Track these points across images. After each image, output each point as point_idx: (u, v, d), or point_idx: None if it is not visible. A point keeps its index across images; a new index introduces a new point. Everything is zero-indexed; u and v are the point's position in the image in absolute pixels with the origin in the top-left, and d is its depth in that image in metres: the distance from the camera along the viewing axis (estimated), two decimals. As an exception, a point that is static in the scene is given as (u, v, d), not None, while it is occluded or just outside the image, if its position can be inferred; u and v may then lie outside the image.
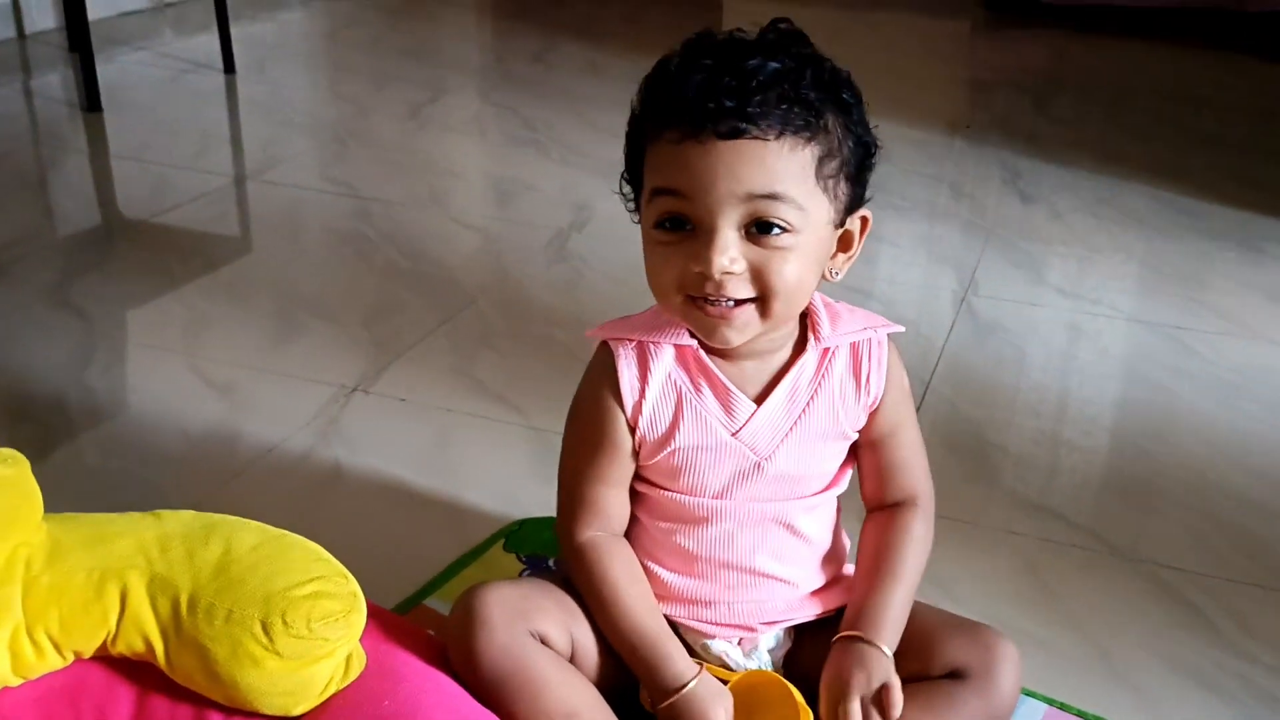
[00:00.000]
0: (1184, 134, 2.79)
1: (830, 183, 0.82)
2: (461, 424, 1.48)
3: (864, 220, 0.88)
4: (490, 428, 1.48)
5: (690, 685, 0.87)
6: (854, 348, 0.92)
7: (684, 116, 0.79)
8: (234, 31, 2.98)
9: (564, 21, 3.72)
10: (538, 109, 2.83)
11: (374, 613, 0.88)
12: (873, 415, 0.94)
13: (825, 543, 0.97)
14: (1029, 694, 1.03)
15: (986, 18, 4.01)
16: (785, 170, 0.79)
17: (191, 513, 0.86)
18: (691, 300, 0.83)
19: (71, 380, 1.56)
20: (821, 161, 0.81)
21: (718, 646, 0.94)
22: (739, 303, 0.82)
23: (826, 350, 0.91)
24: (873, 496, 0.98)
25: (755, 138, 0.78)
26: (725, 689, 0.89)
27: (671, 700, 0.87)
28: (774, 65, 0.79)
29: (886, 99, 2.96)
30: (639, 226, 0.86)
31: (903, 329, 0.93)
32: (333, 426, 1.46)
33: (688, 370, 0.90)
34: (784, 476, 0.92)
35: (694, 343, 0.90)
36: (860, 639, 0.89)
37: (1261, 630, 1.16)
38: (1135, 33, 3.73)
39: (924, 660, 0.91)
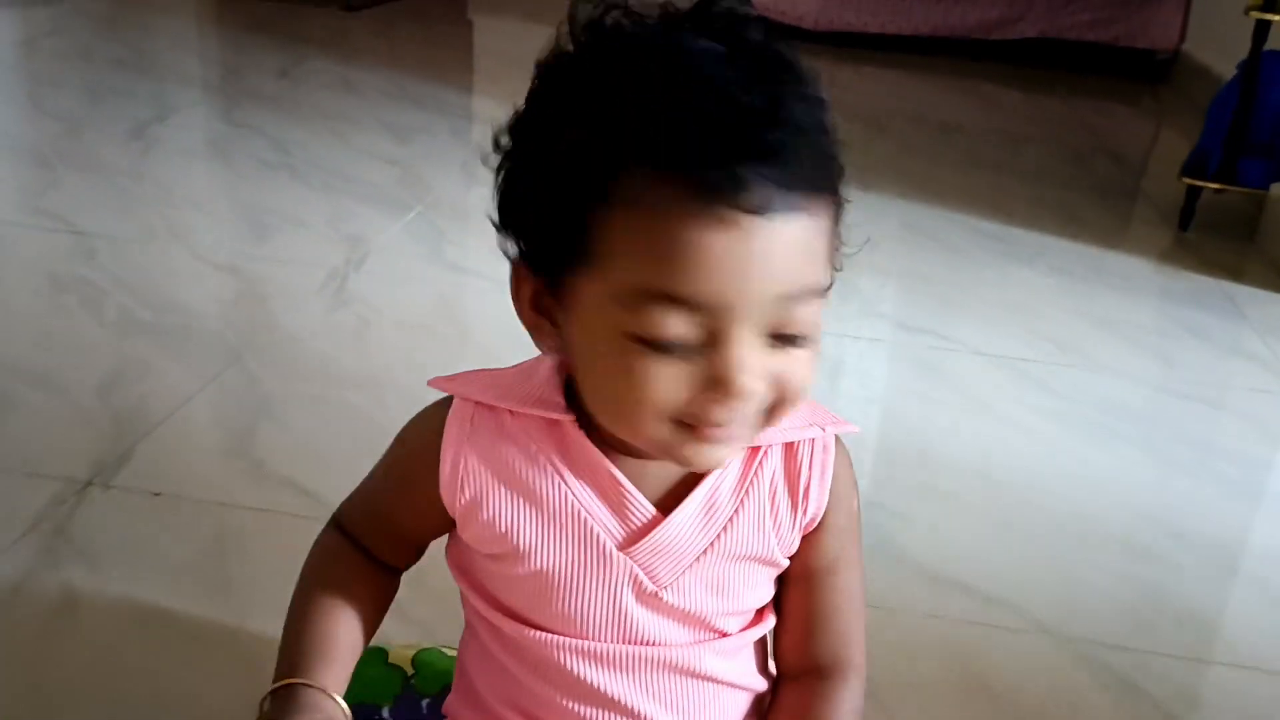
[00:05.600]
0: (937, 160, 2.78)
1: (836, 243, 0.60)
2: (240, 521, 1.16)
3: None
4: (279, 524, 1.16)
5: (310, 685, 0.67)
6: (791, 449, 0.69)
7: (698, 180, 0.53)
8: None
9: (308, 35, 3.36)
10: (288, 129, 2.48)
11: None
12: (808, 540, 0.70)
13: (746, 695, 0.73)
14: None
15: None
16: (818, 251, 0.57)
17: None
18: (684, 426, 0.59)
19: None
20: (836, 222, 0.59)
21: None
22: None
23: (757, 450, 0.68)
24: (792, 652, 0.74)
25: (796, 209, 0.54)
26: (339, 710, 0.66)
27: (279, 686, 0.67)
28: (800, 101, 0.55)
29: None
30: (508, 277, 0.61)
31: (857, 429, 0.71)
32: (61, 537, 1.11)
33: (566, 456, 0.66)
34: (689, 614, 0.68)
35: (571, 416, 0.65)
36: None
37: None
38: (892, 60, 3.77)
39: None
